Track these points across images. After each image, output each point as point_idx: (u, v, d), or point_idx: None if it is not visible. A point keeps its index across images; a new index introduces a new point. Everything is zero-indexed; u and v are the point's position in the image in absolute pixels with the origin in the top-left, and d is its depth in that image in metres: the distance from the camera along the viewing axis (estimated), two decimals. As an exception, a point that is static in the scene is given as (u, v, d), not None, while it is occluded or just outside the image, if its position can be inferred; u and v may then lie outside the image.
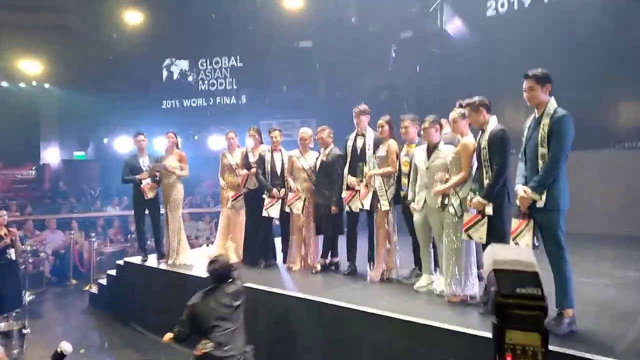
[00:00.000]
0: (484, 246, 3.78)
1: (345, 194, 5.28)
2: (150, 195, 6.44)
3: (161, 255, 6.58)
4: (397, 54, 11.57)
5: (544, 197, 3.32)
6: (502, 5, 10.06)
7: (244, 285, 3.97)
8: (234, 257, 4.81)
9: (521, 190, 3.43)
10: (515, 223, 3.49)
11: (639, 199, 6.74)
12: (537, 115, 3.48)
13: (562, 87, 3.56)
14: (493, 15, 10.21)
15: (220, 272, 3.78)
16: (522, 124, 3.69)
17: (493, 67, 9.45)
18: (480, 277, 4.16)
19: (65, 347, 2.58)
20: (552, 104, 3.42)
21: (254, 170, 5.97)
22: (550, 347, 2.81)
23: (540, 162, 3.37)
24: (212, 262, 3.87)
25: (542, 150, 3.36)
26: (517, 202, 3.46)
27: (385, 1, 11.24)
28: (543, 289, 1.20)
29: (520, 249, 1.37)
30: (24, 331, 4.28)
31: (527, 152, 3.52)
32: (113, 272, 7.28)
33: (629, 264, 5.62)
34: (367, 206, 5.04)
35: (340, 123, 6.45)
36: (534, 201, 3.36)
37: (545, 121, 3.36)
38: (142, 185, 6.39)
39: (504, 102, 7.16)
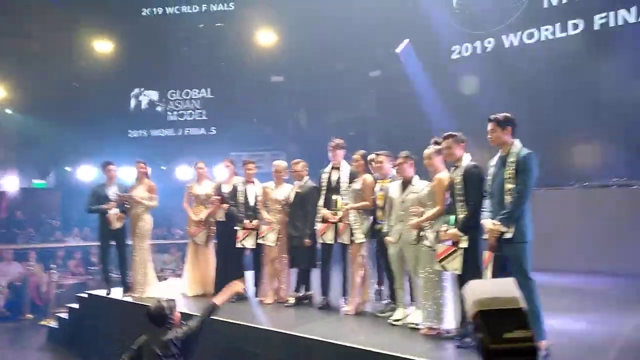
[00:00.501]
0: (460, 277, 3.88)
1: (319, 226, 5.30)
2: (117, 225, 6.25)
3: (127, 288, 6.37)
4: (365, 92, 11.91)
5: (512, 229, 3.49)
6: (467, 50, 10.59)
7: (186, 333, 3.55)
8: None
9: (489, 223, 3.59)
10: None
11: (602, 236, 7.02)
12: (502, 154, 3.71)
13: (521, 129, 3.80)
14: (457, 58, 10.72)
15: (153, 317, 3.55)
16: (485, 162, 3.89)
17: (458, 108, 9.85)
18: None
19: None
20: (517, 143, 3.66)
21: (225, 205, 5.92)
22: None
23: (507, 197, 3.55)
24: (149, 306, 3.67)
25: (509, 186, 3.55)
26: (486, 235, 3.61)
27: (354, 43, 11.64)
28: (530, 327, 1.17)
29: (500, 282, 1.31)
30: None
31: (493, 188, 3.71)
32: (75, 305, 6.96)
33: (597, 299, 5.78)
34: (346, 240, 5.06)
35: (309, 156, 6.53)
36: (502, 234, 3.51)
37: (512, 159, 3.58)
38: (107, 215, 6.21)
39: (469, 141, 7.48)
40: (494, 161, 3.79)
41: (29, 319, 8.69)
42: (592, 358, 3.67)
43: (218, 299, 3.87)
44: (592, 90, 8.43)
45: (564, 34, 9.30)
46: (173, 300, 3.77)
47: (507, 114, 3.70)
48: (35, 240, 11.33)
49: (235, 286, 3.92)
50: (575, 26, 9.18)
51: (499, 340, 1.14)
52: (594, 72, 8.33)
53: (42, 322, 8.08)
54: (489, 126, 3.69)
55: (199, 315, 3.72)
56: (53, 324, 7.64)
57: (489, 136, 3.71)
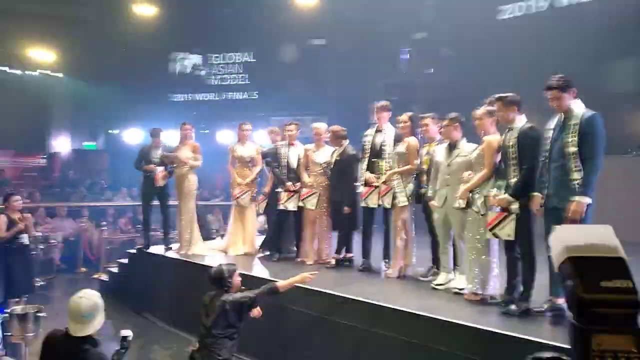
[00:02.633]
0: (509, 243, 3.75)
1: (362, 189, 5.23)
2: (161, 183, 6.49)
3: (169, 246, 6.59)
4: (411, 55, 11.52)
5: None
6: (520, 9, 10.00)
7: (241, 299, 3.50)
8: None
9: (585, 199, 3.31)
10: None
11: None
12: (564, 116, 3.47)
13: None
14: (508, 18, 10.17)
15: (213, 279, 3.61)
16: (541, 125, 3.69)
17: (508, 68, 9.39)
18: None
19: (126, 333, 2.87)
20: (580, 104, 3.44)
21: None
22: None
23: (570, 162, 3.35)
24: (210, 268, 3.75)
25: (572, 149, 3.36)
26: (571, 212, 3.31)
27: (397, 3, 11.20)
28: (633, 279, 1.02)
29: (597, 229, 1.13)
30: (40, 314, 4.24)
31: (553, 152, 3.50)
32: (125, 260, 7.26)
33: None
34: (387, 204, 4.98)
35: (352, 121, 6.41)
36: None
37: (574, 122, 3.37)
38: (156, 172, 6.44)
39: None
40: (552, 124, 3.59)
41: (82, 272, 9.13)
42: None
43: (282, 284, 3.79)
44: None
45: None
46: (234, 264, 3.78)
47: (567, 77, 3.47)
48: (87, 199, 11.80)
49: (304, 277, 3.85)
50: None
51: (595, 289, 1.00)
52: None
53: (95, 276, 8.48)
54: (553, 94, 3.45)
55: (259, 290, 3.64)
56: (104, 277, 8.02)
57: (554, 104, 3.47)
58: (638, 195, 6.85)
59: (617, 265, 1.04)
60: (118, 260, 7.69)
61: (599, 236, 1.09)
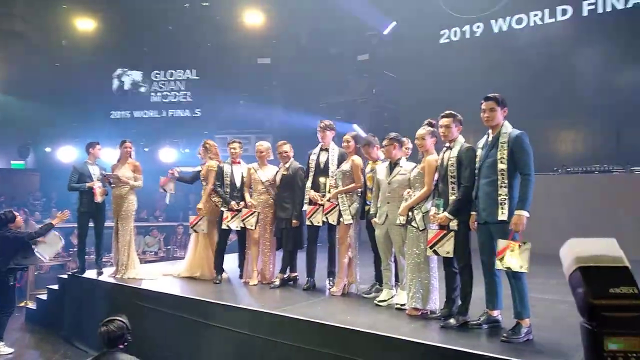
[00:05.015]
0: (446, 258, 3.88)
1: (307, 208, 5.26)
2: (99, 199, 6.21)
3: (101, 270, 6.31)
4: (355, 75, 11.83)
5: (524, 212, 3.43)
6: (455, 35, 10.55)
7: None
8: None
9: (524, 213, 3.42)
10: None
11: (585, 222, 7.10)
12: (493, 135, 3.67)
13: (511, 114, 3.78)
14: (446, 42, 10.69)
15: (111, 336, 3.38)
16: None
17: (445, 92, 9.84)
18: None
19: None
20: (507, 124, 3.65)
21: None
22: (507, 357, 2.88)
23: (499, 177, 3.53)
24: (107, 322, 3.49)
25: (502, 166, 3.53)
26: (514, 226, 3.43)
27: (343, 25, 11.52)
28: (639, 286, 1.11)
29: (602, 242, 1.24)
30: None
31: (483, 169, 3.68)
32: (54, 286, 6.85)
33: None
34: (332, 221, 5.02)
35: (296, 140, 6.46)
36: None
37: (504, 140, 3.56)
38: (93, 188, 6.17)
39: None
40: (481, 143, 3.79)
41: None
42: (573, 339, 3.70)
43: None
44: (579, 75, 8.47)
45: (552, 20, 9.31)
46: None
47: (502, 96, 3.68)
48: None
49: None
50: (564, 12, 9.20)
51: (604, 295, 1.10)
52: (582, 58, 8.35)
53: (21, 304, 7.93)
54: (488, 104, 3.61)
55: None
56: (31, 305, 7.54)
57: (486, 115, 3.62)
58: (557, 211, 7.31)
59: (622, 273, 1.15)
60: (47, 286, 7.25)
61: (605, 248, 1.20)
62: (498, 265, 3.45)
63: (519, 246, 3.35)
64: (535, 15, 9.54)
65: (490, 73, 9.08)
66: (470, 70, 9.53)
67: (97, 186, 6.21)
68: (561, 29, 9.12)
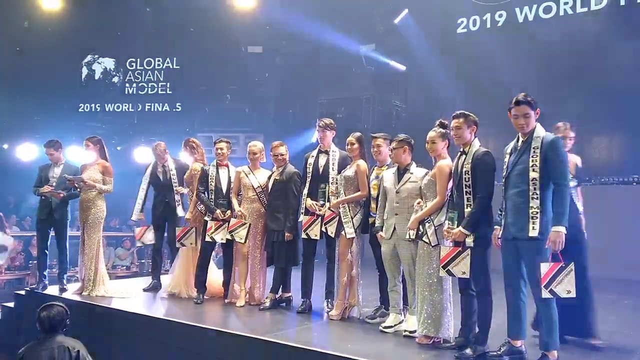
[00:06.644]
0: (462, 280, 3.89)
1: (303, 218, 5.26)
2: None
3: (63, 286, 6.30)
4: (359, 69, 11.88)
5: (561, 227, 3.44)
6: (474, 24, 10.61)
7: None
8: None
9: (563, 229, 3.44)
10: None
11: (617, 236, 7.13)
12: (523, 139, 3.68)
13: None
14: (464, 32, 10.76)
15: (53, 322, 3.77)
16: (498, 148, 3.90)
17: (461, 88, 9.90)
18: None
19: None
20: (540, 127, 3.65)
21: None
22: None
23: (530, 187, 3.53)
24: (46, 306, 3.87)
25: (534, 175, 3.53)
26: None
27: (348, 12, 11.57)
28: None
29: None
30: None
31: (511, 178, 3.68)
32: (10, 304, 6.84)
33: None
34: (331, 233, 5.03)
35: (292, 140, 6.51)
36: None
37: (536, 145, 3.57)
38: (55, 194, 6.17)
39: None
40: (509, 148, 3.79)
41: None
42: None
43: None
44: (616, 73, 8.50)
45: (585, 9, 9.37)
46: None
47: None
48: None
49: None
50: (599, 0, 9.25)
51: None
52: (619, 53, 8.39)
53: (-29, 324, 7.89)
54: (522, 109, 3.60)
55: None
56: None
57: (521, 122, 3.61)
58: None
59: None
60: (2, 303, 7.22)
61: None
62: (545, 294, 3.40)
63: (561, 268, 3.36)
64: (566, 3, 9.59)
65: (514, 68, 9.12)
66: (490, 65, 9.58)
67: (58, 192, 6.18)
68: (595, 20, 9.15)
